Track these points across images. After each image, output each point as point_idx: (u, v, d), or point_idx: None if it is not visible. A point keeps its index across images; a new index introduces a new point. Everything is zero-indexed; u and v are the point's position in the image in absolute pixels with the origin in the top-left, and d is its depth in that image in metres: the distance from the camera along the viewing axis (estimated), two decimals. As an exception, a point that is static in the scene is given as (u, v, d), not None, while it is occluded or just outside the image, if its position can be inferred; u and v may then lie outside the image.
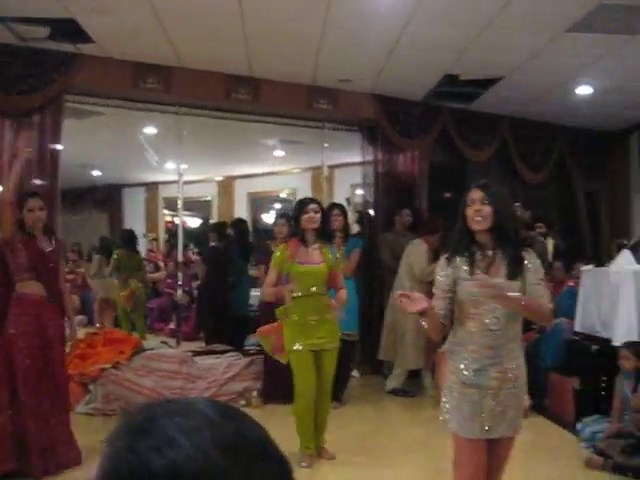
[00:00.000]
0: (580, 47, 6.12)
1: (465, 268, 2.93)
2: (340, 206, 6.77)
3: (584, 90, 7.46)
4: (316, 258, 4.57)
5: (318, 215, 4.58)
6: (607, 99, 7.75)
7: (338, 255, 4.76)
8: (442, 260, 3.05)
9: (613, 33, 5.79)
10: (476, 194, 2.95)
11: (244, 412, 0.73)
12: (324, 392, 4.67)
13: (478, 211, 2.91)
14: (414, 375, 7.07)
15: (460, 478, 2.97)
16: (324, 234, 4.68)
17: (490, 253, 2.95)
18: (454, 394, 2.95)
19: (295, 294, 4.50)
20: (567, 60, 6.53)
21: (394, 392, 6.92)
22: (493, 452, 2.95)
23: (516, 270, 2.90)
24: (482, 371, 2.89)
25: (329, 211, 6.56)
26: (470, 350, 2.90)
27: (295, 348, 4.57)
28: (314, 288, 4.52)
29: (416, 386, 7.01)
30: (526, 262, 2.94)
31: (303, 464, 4.58)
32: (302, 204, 4.68)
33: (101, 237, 10.11)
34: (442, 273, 3.02)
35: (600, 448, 4.78)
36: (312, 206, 4.60)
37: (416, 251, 6.74)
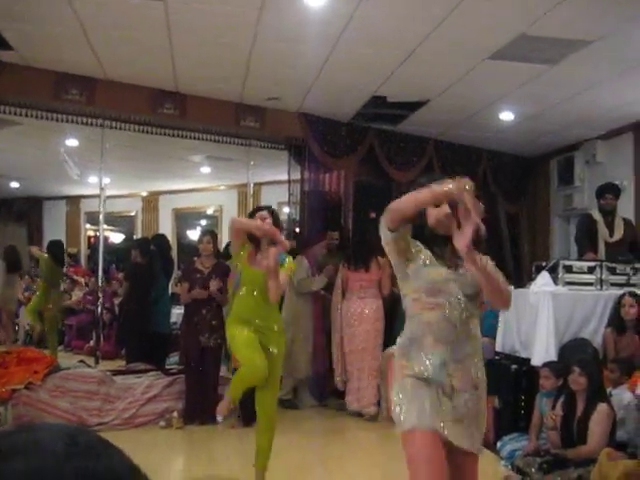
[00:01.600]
0: (502, 74, 6.30)
1: (427, 253, 2.72)
2: (269, 207, 6.72)
3: (506, 116, 7.68)
4: (262, 263, 4.47)
5: (268, 222, 4.51)
6: (528, 125, 8.00)
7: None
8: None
9: (533, 62, 5.98)
10: None
11: (107, 443, 0.63)
12: (270, 412, 4.53)
13: (448, 215, 2.71)
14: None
15: (423, 477, 2.55)
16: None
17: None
18: (408, 388, 2.66)
19: (241, 292, 4.51)
20: (490, 86, 6.70)
21: (280, 403, 6.93)
22: (452, 461, 2.61)
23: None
24: (441, 366, 2.63)
25: (255, 212, 6.52)
26: (427, 344, 2.66)
27: (241, 332, 4.40)
28: (255, 292, 4.46)
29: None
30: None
31: (219, 418, 4.56)
32: (253, 212, 4.75)
33: (7, 246, 9.48)
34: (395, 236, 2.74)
35: (518, 466, 4.86)
36: (261, 213, 4.61)
37: (298, 266, 6.67)
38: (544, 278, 5.74)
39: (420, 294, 2.71)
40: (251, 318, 4.44)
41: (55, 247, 8.88)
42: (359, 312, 6.96)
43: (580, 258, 6.44)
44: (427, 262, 2.71)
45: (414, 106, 7.47)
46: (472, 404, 2.68)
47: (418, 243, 2.75)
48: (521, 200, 9.60)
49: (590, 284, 5.78)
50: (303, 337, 7.12)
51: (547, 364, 5.16)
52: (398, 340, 2.82)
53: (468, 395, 2.67)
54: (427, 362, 2.64)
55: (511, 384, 5.63)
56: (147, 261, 7.66)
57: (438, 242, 2.75)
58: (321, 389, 7.47)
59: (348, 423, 6.76)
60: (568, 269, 5.82)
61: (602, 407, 4.57)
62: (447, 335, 2.65)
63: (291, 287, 6.83)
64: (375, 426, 6.55)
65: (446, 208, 2.67)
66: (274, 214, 4.68)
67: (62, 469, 0.55)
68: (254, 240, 4.52)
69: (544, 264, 6.07)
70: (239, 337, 4.42)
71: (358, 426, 6.62)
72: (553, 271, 5.81)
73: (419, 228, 2.78)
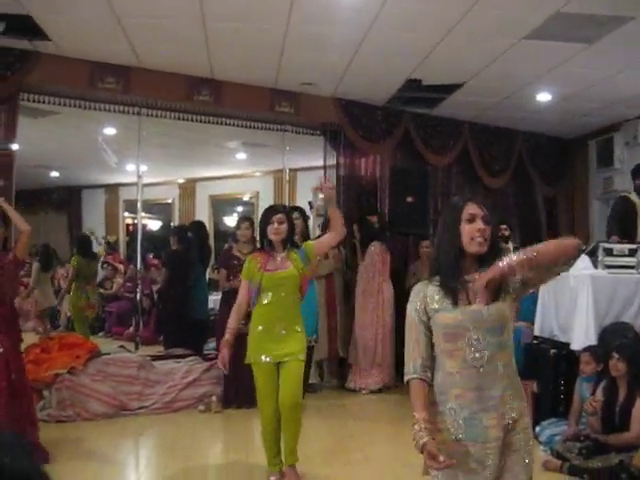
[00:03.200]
0: (538, 54, 6.19)
1: (437, 298, 2.48)
2: (299, 209, 6.76)
3: (543, 97, 7.55)
4: (284, 263, 4.43)
5: (283, 226, 4.43)
6: (565, 106, 7.86)
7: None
8: (412, 293, 2.58)
9: (570, 41, 5.86)
10: (477, 209, 2.51)
11: (23, 444, 0.64)
12: (292, 405, 4.38)
13: (482, 231, 2.46)
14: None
15: None
16: (291, 242, 4.55)
17: (471, 277, 2.48)
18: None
19: (265, 300, 4.38)
20: (526, 67, 6.60)
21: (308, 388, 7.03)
22: None
23: (496, 293, 2.44)
24: (473, 420, 2.39)
25: (271, 215, 6.55)
26: (454, 396, 2.42)
27: (259, 360, 4.42)
28: (282, 293, 4.37)
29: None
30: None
31: (272, 479, 4.46)
32: (267, 215, 4.51)
33: (41, 245, 9.64)
34: (412, 308, 2.54)
35: (557, 451, 4.82)
36: (277, 216, 4.44)
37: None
38: (583, 262, 5.65)
39: (438, 342, 2.49)
40: (273, 323, 4.38)
41: (81, 243, 8.99)
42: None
43: (620, 241, 6.31)
44: (437, 307, 2.47)
45: (449, 89, 7.39)
46: (517, 441, 2.44)
47: (427, 287, 2.52)
48: (559, 182, 9.45)
49: (631, 267, 5.67)
50: (320, 319, 7.18)
51: (587, 349, 5.09)
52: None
53: (512, 438, 2.43)
54: (459, 417, 2.42)
55: (550, 369, 5.57)
56: (184, 248, 7.74)
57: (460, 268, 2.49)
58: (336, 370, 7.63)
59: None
60: (608, 252, 5.71)
61: (645, 393, 4.50)
62: (472, 383, 2.41)
63: None
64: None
65: (479, 223, 2.48)
66: (288, 215, 4.58)
67: None
68: (266, 244, 4.48)
69: (584, 247, 5.97)
70: (257, 378, 4.48)
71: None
72: (593, 254, 5.71)
73: (450, 264, 2.51)
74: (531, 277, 2.43)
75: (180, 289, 7.58)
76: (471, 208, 2.51)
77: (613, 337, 5.08)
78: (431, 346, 2.50)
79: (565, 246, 2.43)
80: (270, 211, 4.55)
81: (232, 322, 4.50)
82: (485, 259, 2.46)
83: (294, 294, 4.43)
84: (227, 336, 4.46)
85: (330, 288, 7.44)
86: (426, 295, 2.50)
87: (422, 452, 2.33)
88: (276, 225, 4.41)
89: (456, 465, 2.36)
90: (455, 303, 2.45)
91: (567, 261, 2.41)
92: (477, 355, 2.40)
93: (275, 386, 4.39)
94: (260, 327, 4.42)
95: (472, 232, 2.46)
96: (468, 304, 2.44)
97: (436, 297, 2.48)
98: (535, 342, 5.89)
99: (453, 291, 2.46)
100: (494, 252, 2.48)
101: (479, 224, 2.47)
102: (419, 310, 2.50)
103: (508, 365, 2.46)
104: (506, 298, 2.45)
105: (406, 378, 2.50)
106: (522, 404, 2.48)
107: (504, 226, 7.56)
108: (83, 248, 8.84)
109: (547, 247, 2.40)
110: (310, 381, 7.22)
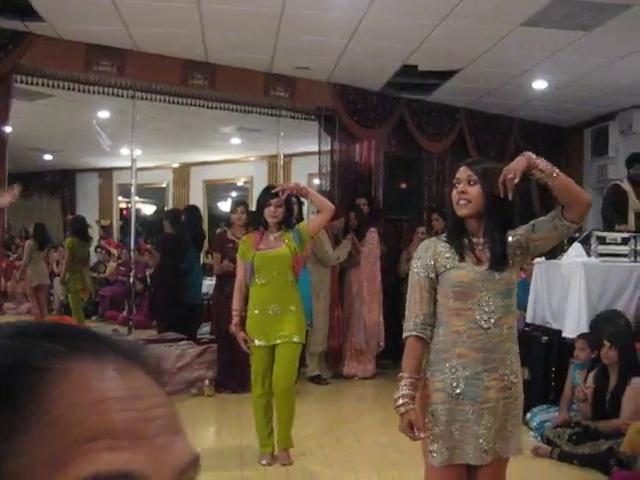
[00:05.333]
0: (535, 41, 6.17)
1: (448, 255, 2.49)
2: (276, 195, 6.72)
3: (539, 84, 7.54)
4: (277, 243, 4.46)
5: (280, 210, 4.43)
6: (561, 94, 7.85)
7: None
8: (419, 249, 2.60)
9: (567, 29, 5.85)
10: (462, 172, 2.53)
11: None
12: (283, 388, 4.42)
13: (462, 193, 2.50)
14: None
15: None
16: (287, 223, 4.56)
17: (480, 241, 2.52)
18: (441, 416, 2.45)
19: (258, 281, 4.42)
20: (523, 54, 6.58)
21: (309, 380, 6.99)
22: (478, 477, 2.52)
23: (500, 261, 2.47)
24: (474, 380, 2.42)
25: (267, 200, 6.52)
26: (457, 355, 2.44)
27: (255, 344, 4.44)
28: (275, 272, 4.38)
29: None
30: (512, 239, 2.53)
31: (262, 461, 4.51)
32: (266, 196, 4.49)
33: (36, 223, 9.61)
34: (420, 265, 2.53)
35: (547, 437, 4.86)
36: (275, 200, 4.41)
37: (318, 240, 6.71)
38: (576, 250, 5.67)
39: (447, 300, 2.48)
40: (267, 304, 4.39)
41: (77, 224, 8.90)
42: None
43: (611, 229, 6.33)
44: (450, 264, 2.49)
45: (445, 75, 7.37)
46: (510, 409, 2.50)
47: (438, 245, 2.55)
48: (554, 171, 9.45)
49: (624, 255, 5.69)
50: (323, 310, 7.14)
51: (583, 335, 5.12)
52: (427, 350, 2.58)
53: (506, 402, 2.48)
54: (460, 377, 2.43)
55: (541, 356, 5.60)
56: (177, 232, 7.73)
57: (462, 229, 2.55)
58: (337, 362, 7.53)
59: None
60: (601, 240, 5.74)
61: (635, 381, 4.53)
62: (479, 343, 2.43)
63: (310, 261, 6.80)
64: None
65: (462, 186, 2.51)
66: (296, 198, 4.72)
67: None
68: (259, 224, 4.53)
69: (577, 235, 5.99)
70: (252, 359, 4.56)
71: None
72: (586, 242, 5.73)
73: (452, 227, 2.59)
74: (536, 238, 2.51)
75: (173, 273, 7.58)
76: (459, 172, 2.56)
77: (605, 325, 5.11)
78: (434, 304, 2.51)
79: (582, 192, 2.55)
80: (269, 193, 4.49)
81: (236, 303, 4.56)
82: (485, 220, 2.50)
83: (287, 274, 4.42)
84: (235, 319, 4.50)
85: (334, 278, 7.35)
86: (436, 252, 2.52)
87: (401, 417, 2.40)
88: (273, 208, 4.40)
89: (452, 423, 2.44)
90: (463, 260, 2.48)
91: (576, 213, 2.46)
92: (485, 317, 2.43)
93: (267, 368, 4.43)
94: (256, 310, 4.44)
95: (454, 197, 2.53)
96: (477, 264, 2.48)
97: (446, 254, 2.50)
98: (527, 329, 5.91)
99: (458, 248, 2.50)
100: (491, 211, 2.49)
101: (461, 187, 2.51)
102: (428, 266, 2.51)
103: (511, 328, 2.52)
104: (514, 263, 2.51)
105: (405, 334, 2.52)
106: (519, 368, 2.56)
107: None
108: (79, 230, 8.77)
109: (567, 179, 2.49)
110: (315, 373, 7.14)
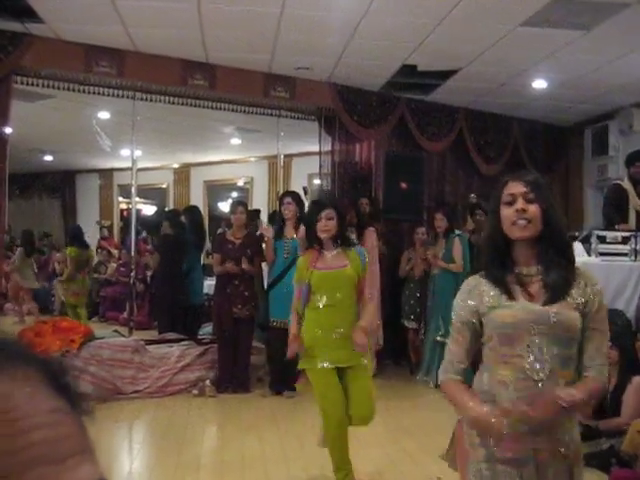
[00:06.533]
0: (535, 41, 6.17)
1: (492, 293, 2.13)
2: (293, 194, 6.72)
3: (539, 84, 7.54)
4: (339, 262, 3.98)
5: (332, 222, 3.98)
6: (561, 93, 7.85)
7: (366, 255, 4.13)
8: (463, 286, 2.25)
9: (567, 28, 5.85)
10: (516, 188, 2.13)
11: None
12: (360, 417, 3.97)
13: (522, 211, 2.08)
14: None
15: None
16: (343, 238, 4.11)
17: (533, 270, 2.12)
18: (486, 478, 2.09)
19: (319, 304, 3.92)
20: (522, 54, 6.58)
21: None
22: None
23: (557, 294, 2.09)
24: (521, 439, 2.05)
25: (281, 199, 6.53)
26: (502, 409, 2.05)
27: (317, 366, 3.92)
28: (339, 294, 3.92)
29: None
30: (581, 288, 2.14)
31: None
32: (314, 210, 4.09)
33: (23, 230, 10.35)
34: (461, 305, 2.20)
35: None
36: (326, 212, 3.98)
37: None
38: (577, 249, 5.66)
39: (492, 343, 2.12)
40: (330, 329, 3.91)
41: (74, 232, 9.47)
42: None
43: (611, 229, 6.33)
44: (494, 303, 2.12)
45: (445, 75, 7.37)
46: (562, 474, 2.09)
47: (483, 283, 2.17)
48: (554, 170, 9.45)
49: (624, 254, 5.69)
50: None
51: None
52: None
53: (557, 468, 2.08)
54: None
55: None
56: (177, 232, 7.73)
57: (504, 259, 2.16)
58: None
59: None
60: (602, 239, 5.73)
61: (636, 379, 4.53)
62: (527, 397, 2.03)
63: None
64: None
65: (521, 203, 2.10)
66: (337, 208, 4.09)
67: None
68: (315, 242, 4.06)
69: (577, 235, 5.99)
70: (315, 380, 4.00)
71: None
72: (586, 241, 5.73)
73: (493, 254, 2.18)
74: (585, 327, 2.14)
75: (173, 273, 7.58)
76: (511, 187, 2.14)
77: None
78: (472, 349, 2.19)
79: (597, 395, 2.32)
80: (317, 206, 4.12)
81: (293, 327, 4.05)
82: (543, 245, 2.11)
83: (351, 297, 3.96)
84: (291, 336, 4.03)
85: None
86: (480, 290, 2.15)
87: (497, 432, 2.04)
88: (324, 222, 3.98)
89: None
90: (511, 297, 2.10)
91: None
92: (537, 365, 2.03)
93: (338, 389, 3.91)
94: (317, 331, 3.95)
95: (511, 215, 2.09)
96: (530, 300, 2.09)
97: (491, 292, 2.13)
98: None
99: (502, 283, 2.11)
100: (551, 233, 2.11)
101: (519, 204, 2.09)
102: (470, 307, 2.16)
103: (570, 386, 2.05)
104: (562, 303, 2.08)
105: (442, 377, 2.22)
106: (578, 439, 2.14)
107: None
108: (77, 238, 9.19)
109: (591, 390, 2.11)
110: None
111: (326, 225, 3.97)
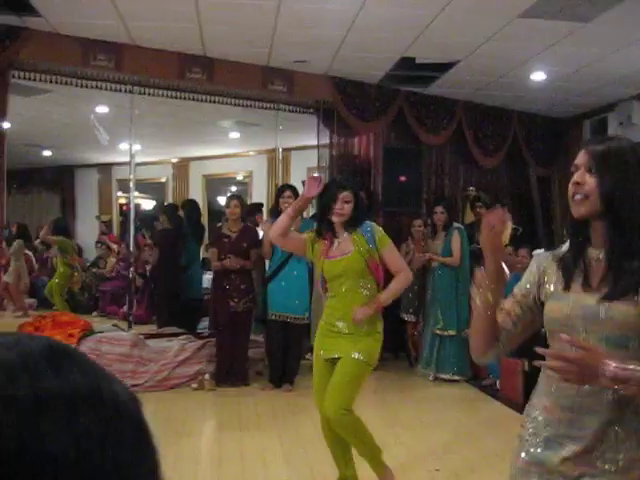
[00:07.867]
0: (533, 33, 6.15)
1: (555, 278, 1.86)
2: (292, 187, 6.72)
3: (538, 76, 7.52)
4: (346, 248, 3.70)
5: (349, 206, 3.66)
6: (560, 85, 7.83)
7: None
8: (534, 258, 2.03)
9: (565, 20, 5.83)
10: (581, 157, 1.84)
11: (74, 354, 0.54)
12: (331, 419, 3.68)
13: (576, 185, 1.80)
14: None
15: None
16: (355, 221, 3.74)
17: (598, 254, 1.81)
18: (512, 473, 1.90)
19: (331, 293, 3.74)
20: (521, 46, 6.56)
21: None
22: None
23: (627, 287, 1.73)
24: (553, 442, 1.79)
25: (280, 193, 6.53)
26: (543, 407, 1.84)
27: (317, 352, 3.81)
28: (344, 287, 3.68)
29: None
30: None
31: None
32: (331, 190, 3.70)
33: (18, 224, 10.63)
34: (526, 275, 1.97)
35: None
36: (344, 194, 3.66)
37: None
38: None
39: (548, 337, 1.91)
40: (333, 320, 3.71)
41: (59, 226, 9.78)
42: None
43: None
44: (550, 291, 1.87)
45: (444, 67, 7.35)
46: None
47: (551, 261, 1.91)
48: (553, 162, 9.44)
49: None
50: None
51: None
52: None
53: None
54: (540, 434, 1.82)
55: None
56: (175, 226, 7.72)
57: (584, 238, 1.86)
58: None
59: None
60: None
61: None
62: (566, 400, 1.78)
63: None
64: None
65: (579, 175, 1.81)
66: (355, 191, 3.78)
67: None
68: (325, 224, 3.76)
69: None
70: (314, 373, 3.86)
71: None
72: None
73: (574, 234, 1.88)
74: None
75: (172, 268, 7.58)
76: (578, 156, 1.85)
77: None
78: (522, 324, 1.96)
79: None
80: (335, 186, 3.75)
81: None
82: (608, 225, 1.78)
83: (358, 287, 3.68)
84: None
85: None
86: (545, 270, 1.90)
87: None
88: (340, 204, 3.65)
89: None
90: (567, 287, 1.82)
91: None
92: None
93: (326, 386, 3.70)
94: (322, 321, 3.83)
95: (570, 190, 1.83)
96: (585, 290, 1.79)
97: (554, 278, 1.87)
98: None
99: (566, 268, 1.84)
100: (618, 212, 1.76)
101: (577, 176, 1.81)
102: (531, 279, 1.93)
103: (624, 396, 1.68)
104: (628, 301, 1.72)
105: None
106: (636, 443, 1.72)
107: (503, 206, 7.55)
108: (62, 230, 9.68)
109: None
110: None
111: (342, 208, 3.65)
